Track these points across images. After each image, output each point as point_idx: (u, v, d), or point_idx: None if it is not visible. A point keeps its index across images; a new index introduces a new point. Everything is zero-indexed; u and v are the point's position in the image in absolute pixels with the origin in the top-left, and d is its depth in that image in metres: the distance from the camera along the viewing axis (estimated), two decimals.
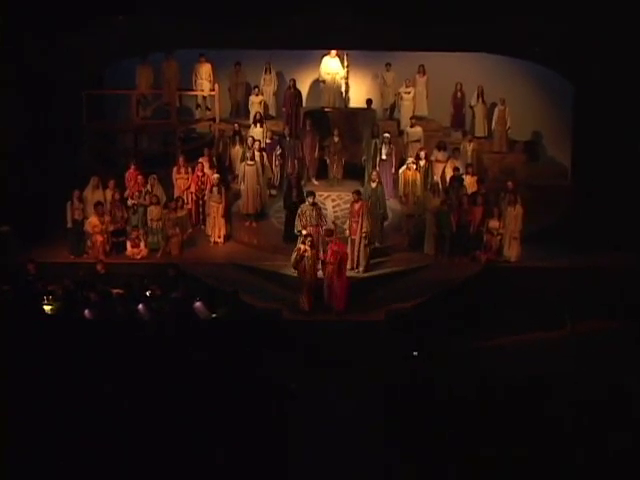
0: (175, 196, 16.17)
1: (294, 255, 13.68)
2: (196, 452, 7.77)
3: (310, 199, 14.76)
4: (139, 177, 16.24)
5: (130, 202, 15.96)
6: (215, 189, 16.01)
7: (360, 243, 14.58)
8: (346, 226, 14.84)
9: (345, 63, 18.70)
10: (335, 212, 15.97)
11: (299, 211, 14.72)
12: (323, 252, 13.98)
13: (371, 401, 8.64)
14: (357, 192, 14.93)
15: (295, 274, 13.85)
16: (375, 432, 8.05)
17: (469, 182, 16.23)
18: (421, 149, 16.99)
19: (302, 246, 13.70)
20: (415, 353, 11.71)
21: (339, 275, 13.61)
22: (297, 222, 14.59)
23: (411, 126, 18.01)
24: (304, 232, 14.31)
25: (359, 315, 13.62)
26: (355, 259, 14.59)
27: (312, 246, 13.68)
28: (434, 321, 12.75)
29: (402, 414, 8.23)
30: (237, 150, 17.41)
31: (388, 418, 8.23)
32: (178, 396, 8.45)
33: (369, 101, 18.62)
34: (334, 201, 16.62)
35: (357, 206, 14.70)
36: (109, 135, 18.91)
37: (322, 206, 15.57)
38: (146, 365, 9.52)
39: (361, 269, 14.58)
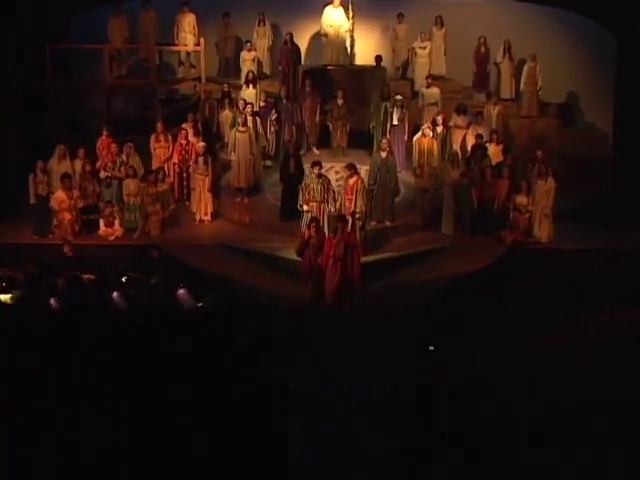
0: (155, 167, 16.17)
1: (299, 242, 13.65)
2: (196, 452, 8.05)
3: (316, 170, 14.70)
4: (113, 145, 16.23)
5: (103, 174, 15.96)
6: (201, 159, 15.99)
7: (354, 225, 14.42)
8: (338, 205, 14.63)
9: (350, 13, 18.61)
10: (339, 186, 15.93)
11: (303, 184, 14.72)
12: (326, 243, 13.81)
13: (371, 401, 9.01)
14: (351, 166, 14.78)
15: (300, 260, 13.80)
16: (375, 432, 8.40)
17: (493, 151, 16.22)
18: (438, 113, 17.01)
19: (307, 231, 13.68)
20: (431, 348, 11.80)
21: (347, 268, 13.47)
22: (300, 196, 14.61)
23: (427, 86, 18.00)
24: (305, 208, 14.33)
25: (364, 306, 13.62)
26: None
27: (318, 231, 13.62)
28: (452, 313, 12.77)
29: (404, 414, 8.56)
30: (226, 114, 17.43)
31: (388, 418, 8.57)
32: (172, 396, 8.71)
33: (378, 58, 18.53)
34: (338, 173, 16.58)
35: (352, 181, 14.59)
36: (77, 96, 18.87)
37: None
38: (127, 362, 9.63)
39: None
